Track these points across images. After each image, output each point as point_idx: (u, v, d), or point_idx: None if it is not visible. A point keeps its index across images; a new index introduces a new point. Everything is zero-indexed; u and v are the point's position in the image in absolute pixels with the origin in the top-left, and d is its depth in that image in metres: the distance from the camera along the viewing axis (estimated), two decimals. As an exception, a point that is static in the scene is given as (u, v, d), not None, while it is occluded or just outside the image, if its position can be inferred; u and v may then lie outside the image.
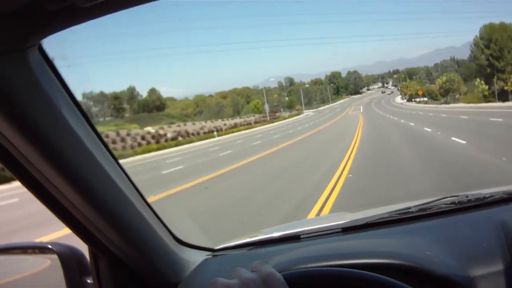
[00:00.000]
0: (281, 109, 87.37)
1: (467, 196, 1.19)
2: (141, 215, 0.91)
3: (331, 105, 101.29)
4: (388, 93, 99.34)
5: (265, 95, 67.00)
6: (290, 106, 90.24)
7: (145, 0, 0.60)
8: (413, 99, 67.21)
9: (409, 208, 1.19)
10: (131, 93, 77.65)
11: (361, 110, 56.96)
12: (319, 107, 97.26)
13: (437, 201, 1.20)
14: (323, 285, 0.69)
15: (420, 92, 57.89)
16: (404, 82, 73.11)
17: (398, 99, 75.78)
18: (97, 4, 0.56)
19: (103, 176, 0.80)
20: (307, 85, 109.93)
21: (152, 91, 79.79)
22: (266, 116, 61.13)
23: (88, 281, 0.98)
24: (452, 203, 1.17)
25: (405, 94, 71.70)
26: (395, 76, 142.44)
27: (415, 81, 71.48)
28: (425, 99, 59.92)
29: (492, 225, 0.98)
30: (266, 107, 58.46)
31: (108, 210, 0.83)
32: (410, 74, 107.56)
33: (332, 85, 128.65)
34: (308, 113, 77.69)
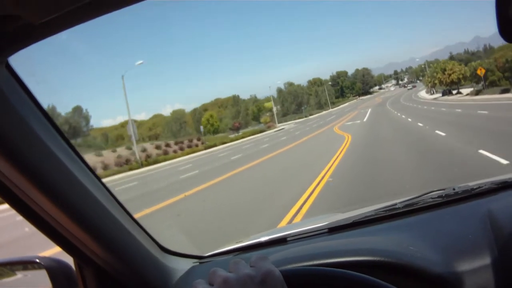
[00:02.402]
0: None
1: (454, 189, 1.17)
2: (122, 226, 0.91)
3: (329, 110, 74.67)
4: (409, 88, 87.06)
5: (127, 108, 34.14)
6: (257, 118, 63.47)
7: (105, 11, 0.61)
8: (454, 91, 40.22)
9: (395, 204, 1.17)
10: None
11: (365, 119, 31.66)
12: (311, 114, 70.38)
13: (424, 196, 1.18)
14: (322, 284, 0.67)
15: (481, 71, 30.10)
16: (434, 64, 45.06)
17: (423, 94, 57.86)
18: (52, 20, 0.58)
19: (80, 189, 0.80)
20: (276, 85, 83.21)
21: (76, 110, 54.86)
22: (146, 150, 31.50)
23: None
24: (439, 196, 1.16)
25: (435, 85, 44.75)
26: (415, 66, 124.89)
27: (454, 61, 43.69)
28: (471, 88, 33.44)
29: (478, 217, 0.95)
30: (130, 129, 28.24)
31: (88, 223, 0.83)
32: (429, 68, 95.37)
33: (330, 84, 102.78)
34: (285, 127, 51.15)
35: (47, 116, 0.75)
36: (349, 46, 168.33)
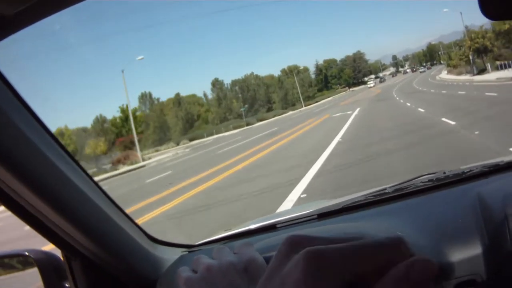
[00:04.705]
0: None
1: (444, 173, 1.16)
2: (109, 216, 0.92)
3: (297, 110, 47.75)
4: (421, 70, 73.12)
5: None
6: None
7: (74, 1, 0.61)
8: None
9: (385, 189, 1.17)
10: None
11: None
12: (262, 118, 43.46)
13: (414, 180, 1.17)
14: None
15: None
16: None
17: (446, 75, 37.94)
18: (25, 10, 0.57)
19: (64, 180, 0.79)
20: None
21: None
22: None
23: (67, 285, 1.00)
24: (429, 180, 1.14)
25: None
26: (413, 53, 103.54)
27: None
28: None
29: (468, 200, 0.94)
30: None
31: (73, 214, 0.82)
32: (432, 52, 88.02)
33: (313, 73, 76.51)
34: (161, 157, 24.53)
35: (30, 110, 0.74)
36: (339, 37, 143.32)
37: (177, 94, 50.88)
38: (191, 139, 40.68)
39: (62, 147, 0.81)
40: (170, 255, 1.12)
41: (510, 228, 0.75)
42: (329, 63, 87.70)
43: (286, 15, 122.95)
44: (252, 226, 1.25)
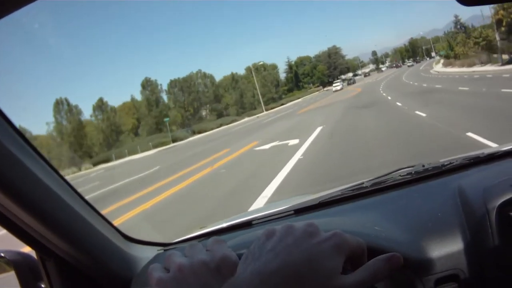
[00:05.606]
0: None
1: (423, 166, 1.14)
2: (81, 216, 0.91)
3: (250, 118, 37.58)
4: (409, 64, 70.24)
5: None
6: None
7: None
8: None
9: (363, 183, 1.16)
10: None
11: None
12: (199, 131, 32.72)
13: (393, 173, 1.17)
14: None
15: None
16: None
17: (440, 68, 32.24)
18: None
19: (34, 179, 0.78)
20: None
21: None
22: None
23: (43, 285, 1.00)
24: (408, 173, 1.13)
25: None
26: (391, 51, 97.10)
27: None
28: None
29: (448, 193, 0.92)
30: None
31: (44, 214, 0.81)
32: (415, 46, 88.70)
33: (285, 71, 66.42)
34: None
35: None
36: (316, 35, 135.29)
37: (100, 100, 39.21)
38: (96, 163, 30.23)
39: (33, 148, 0.79)
40: (145, 254, 1.10)
41: (491, 222, 0.73)
42: (302, 60, 77.84)
43: (258, 9, 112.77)
44: (227, 224, 1.23)
